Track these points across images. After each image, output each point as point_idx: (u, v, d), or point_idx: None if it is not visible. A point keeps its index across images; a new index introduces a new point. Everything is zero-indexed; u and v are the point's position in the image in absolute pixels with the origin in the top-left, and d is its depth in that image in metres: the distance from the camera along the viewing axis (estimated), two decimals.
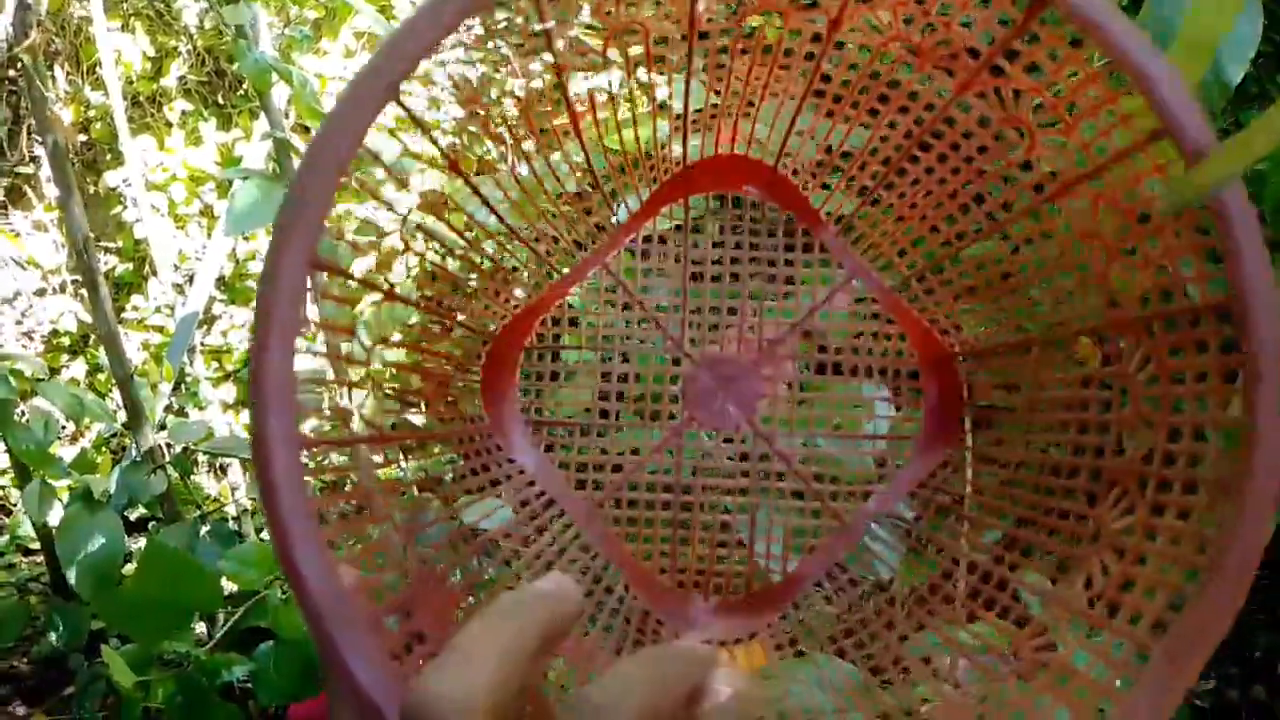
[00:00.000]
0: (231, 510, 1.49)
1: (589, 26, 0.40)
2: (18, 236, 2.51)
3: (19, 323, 2.62)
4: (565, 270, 0.47)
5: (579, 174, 0.47)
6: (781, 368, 0.47)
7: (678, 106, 0.45)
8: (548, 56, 0.39)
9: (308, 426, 0.29)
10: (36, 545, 1.96)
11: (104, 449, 2.25)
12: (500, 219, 0.45)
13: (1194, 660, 0.23)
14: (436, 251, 0.42)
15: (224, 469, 1.93)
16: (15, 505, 2.24)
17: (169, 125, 2.50)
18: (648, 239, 0.48)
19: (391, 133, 0.37)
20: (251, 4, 1.02)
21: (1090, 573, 0.30)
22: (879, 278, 0.47)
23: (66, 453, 2.04)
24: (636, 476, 0.46)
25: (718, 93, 0.45)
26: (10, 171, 2.54)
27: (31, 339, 2.61)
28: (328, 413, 0.32)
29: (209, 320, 2.22)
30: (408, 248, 0.40)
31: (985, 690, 0.25)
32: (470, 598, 0.39)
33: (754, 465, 0.46)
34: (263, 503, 0.23)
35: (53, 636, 1.45)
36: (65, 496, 1.29)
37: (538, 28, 0.37)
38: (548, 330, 0.48)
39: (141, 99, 2.50)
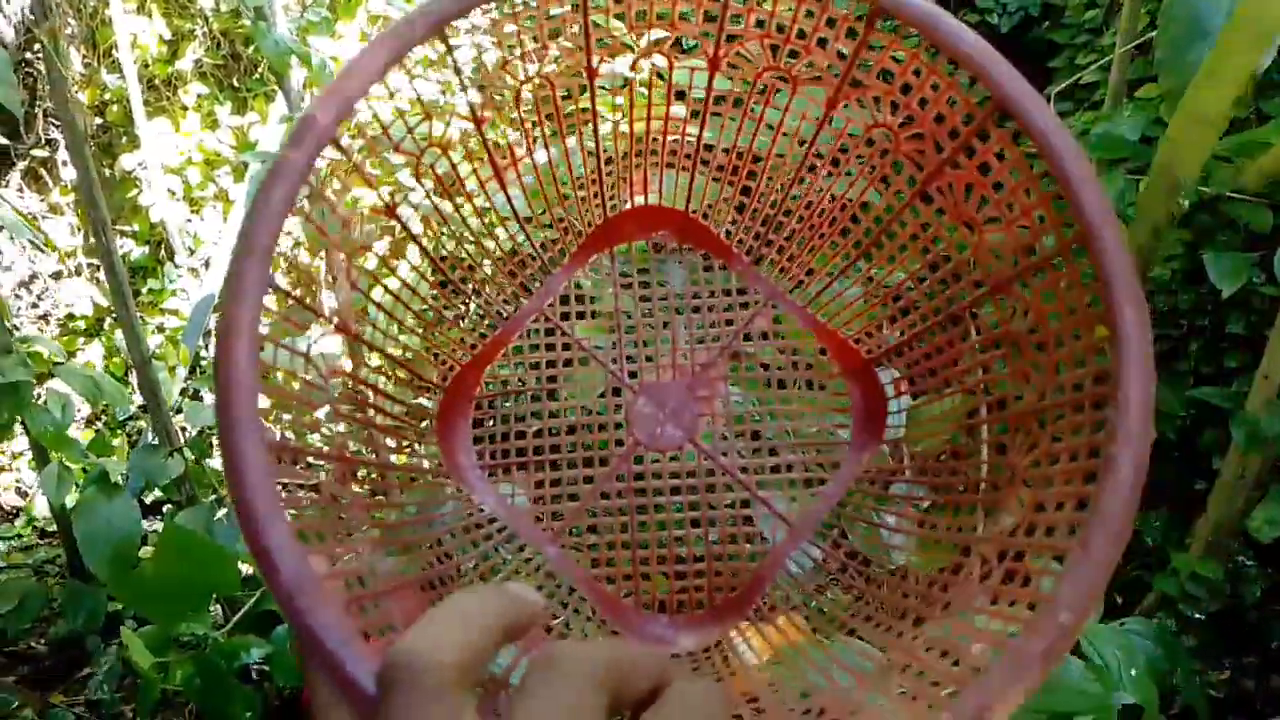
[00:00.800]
0: None
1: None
2: (35, 219, 2.51)
3: (35, 305, 2.63)
4: (506, 319, 0.52)
5: (512, 235, 0.52)
6: (715, 388, 0.50)
7: (591, 164, 0.51)
8: (465, 104, 0.44)
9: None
10: (53, 527, 1.98)
11: (120, 432, 2.27)
12: (442, 270, 0.49)
13: (1106, 544, 0.25)
14: (382, 305, 0.46)
15: None
16: (32, 488, 2.26)
17: (184, 109, 2.50)
18: (579, 285, 0.53)
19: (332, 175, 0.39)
20: None
21: (1011, 510, 0.34)
22: (791, 299, 0.52)
23: (83, 435, 2.06)
24: (593, 504, 0.48)
25: (624, 154, 0.51)
26: (26, 154, 2.55)
27: (47, 322, 2.62)
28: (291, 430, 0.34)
29: None
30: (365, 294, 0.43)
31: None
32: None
33: (701, 480, 0.48)
34: (229, 484, 0.25)
35: (69, 618, 1.46)
36: (82, 479, 1.29)
37: (454, 79, 0.42)
38: (495, 378, 0.52)
39: (157, 82, 2.50)
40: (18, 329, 2.42)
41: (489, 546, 0.46)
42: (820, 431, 0.51)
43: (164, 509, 1.90)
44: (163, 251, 2.50)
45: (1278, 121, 1.09)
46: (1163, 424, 1.41)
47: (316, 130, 0.29)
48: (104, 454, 1.30)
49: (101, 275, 2.41)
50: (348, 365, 0.42)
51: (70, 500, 1.32)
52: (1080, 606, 0.24)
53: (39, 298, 2.64)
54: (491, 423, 0.50)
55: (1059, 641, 0.24)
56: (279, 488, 0.25)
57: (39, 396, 1.28)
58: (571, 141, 0.49)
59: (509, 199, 0.50)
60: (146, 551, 1.47)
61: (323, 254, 0.39)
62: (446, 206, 0.48)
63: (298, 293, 0.35)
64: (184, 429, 1.29)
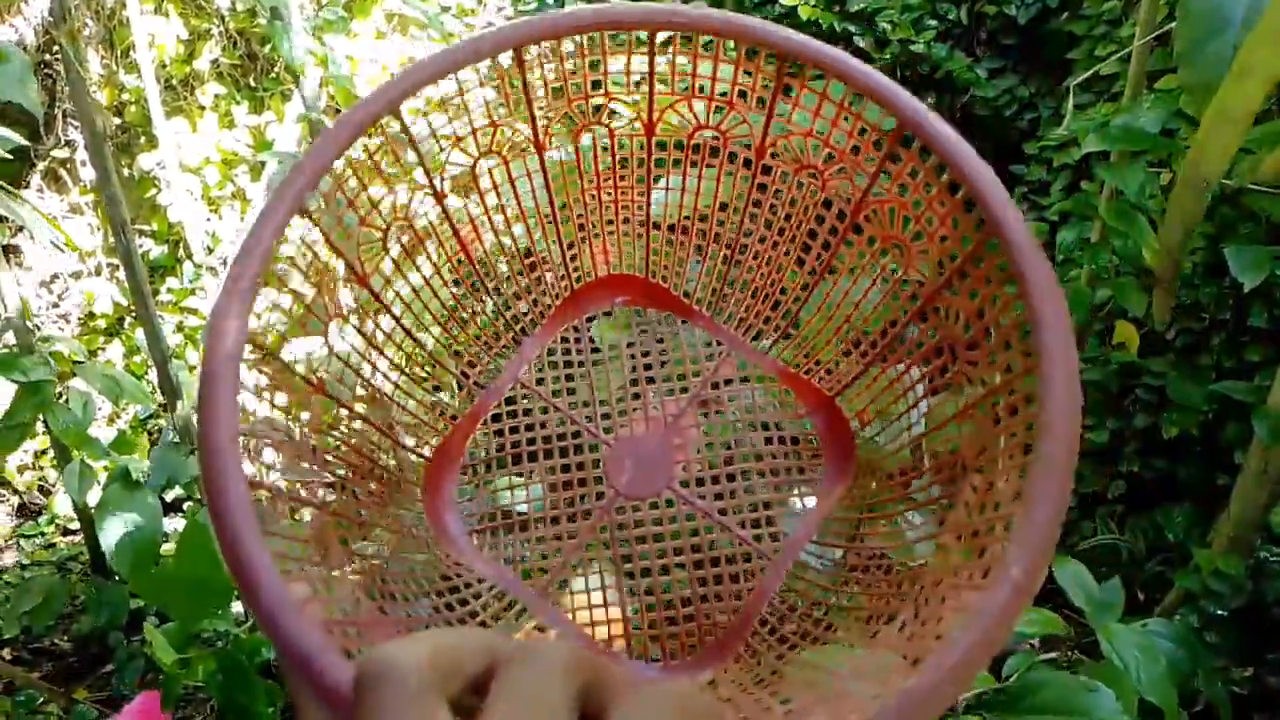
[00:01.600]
0: None
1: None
2: (55, 219, 2.54)
3: (55, 305, 2.66)
4: (483, 388, 0.54)
5: (484, 310, 0.54)
6: (687, 436, 0.52)
7: (550, 237, 0.54)
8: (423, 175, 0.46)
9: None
10: (76, 525, 2.00)
11: (141, 430, 2.29)
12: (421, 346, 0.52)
13: (1046, 502, 0.26)
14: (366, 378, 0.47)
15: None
16: (55, 486, 2.28)
17: (202, 108, 2.52)
18: (551, 351, 0.56)
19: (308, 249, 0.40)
20: None
21: (966, 499, 0.36)
22: (751, 347, 0.54)
23: (105, 434, 2.08)
24: (577, 557, 0.50)
25: (582, 226, 0.54)
26: (47, 155, 2.57)
27: (68, 321, 2.64)
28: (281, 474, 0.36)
29: None
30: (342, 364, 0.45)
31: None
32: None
33: (683, 524, 0.49)
34: (206, 498, 0.26)
35: (92, 615, 1.48)
36: (104, 477, 1.31)
37: (412, 158, 0.44)
38: (478, 446, 0.53)
39: (174, 82, 2.51)
40: (39, 328, 2.44)
41: (477, 605, 0.47)
42: (791, 469, 0.52)
43: (185, 506, 1.91)
44: (181, 250, 2.51)
45: None
46: (1185, 419, 1.40)
47: (289, 198, 0.33)
48: (126, 452, 1.31)
49: (121, 274, 2.44)
50: (337, 432, 0.44)
51: (92, 498, 1.33)
52: (1029, 560, 0.25)
53: (60, 297, 2.66)
54: (475, 486, 0.52)
55: (1014, 597, 0.25)
56: (260, 522, 0.26)
57: (60, 395, 1.29)
58: (532, 220, 0.52)
59: (478, 273, 0.52)
60: (168, 549, 1.48)
61: (305, 312, 0.40)
62: (417, 279, 0.49)
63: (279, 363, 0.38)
64: None
